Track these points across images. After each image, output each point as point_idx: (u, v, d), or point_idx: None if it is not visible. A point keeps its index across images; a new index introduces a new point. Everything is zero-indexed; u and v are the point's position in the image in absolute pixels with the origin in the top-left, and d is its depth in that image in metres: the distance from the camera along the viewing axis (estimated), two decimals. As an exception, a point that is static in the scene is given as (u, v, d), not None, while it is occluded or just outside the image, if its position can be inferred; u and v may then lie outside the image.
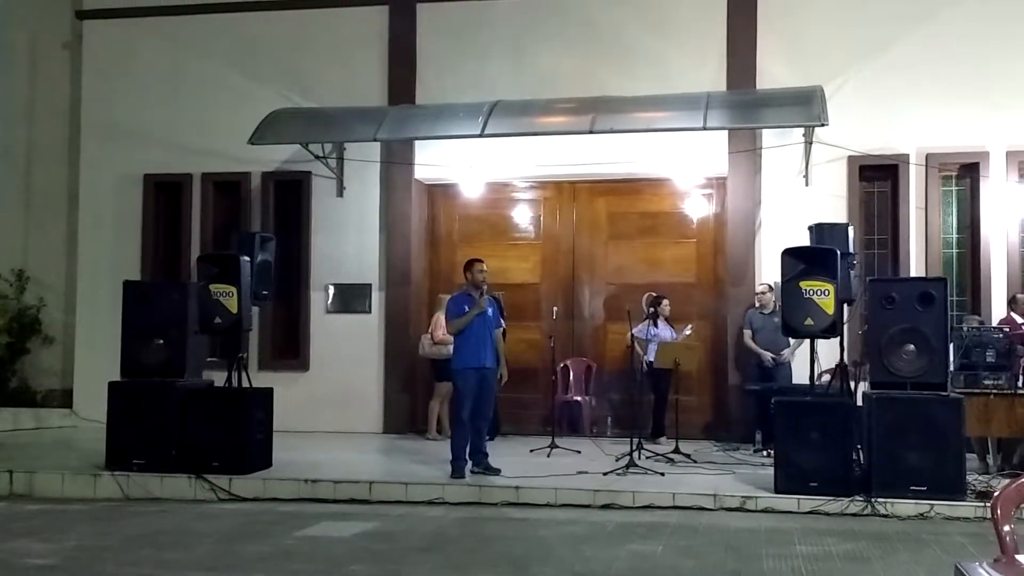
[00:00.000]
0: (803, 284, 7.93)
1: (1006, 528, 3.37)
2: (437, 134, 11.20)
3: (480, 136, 10.47)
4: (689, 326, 10.81)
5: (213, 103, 12.33)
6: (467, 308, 8.51)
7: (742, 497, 7.67)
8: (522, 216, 12.42)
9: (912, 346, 7.70)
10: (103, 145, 12.68)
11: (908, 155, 10.88)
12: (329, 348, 11.97)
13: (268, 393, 8.99)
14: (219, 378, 8.92)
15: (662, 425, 10.77)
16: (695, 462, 9.26)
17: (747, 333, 10.63)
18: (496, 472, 8.42)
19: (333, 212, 12.08)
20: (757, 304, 10.64)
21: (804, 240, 8.76)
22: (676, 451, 9.61)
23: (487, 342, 8.58)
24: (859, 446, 7.83)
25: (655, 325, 10.55)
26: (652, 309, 10.55)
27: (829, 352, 8.85)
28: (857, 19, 11.06)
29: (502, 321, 10.58)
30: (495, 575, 5.76)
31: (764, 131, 11.06)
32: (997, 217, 10.72)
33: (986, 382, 8.28)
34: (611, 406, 11.64)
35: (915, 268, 10.76)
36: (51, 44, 13.60)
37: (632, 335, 10.34)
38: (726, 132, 11.09)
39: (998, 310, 10.32)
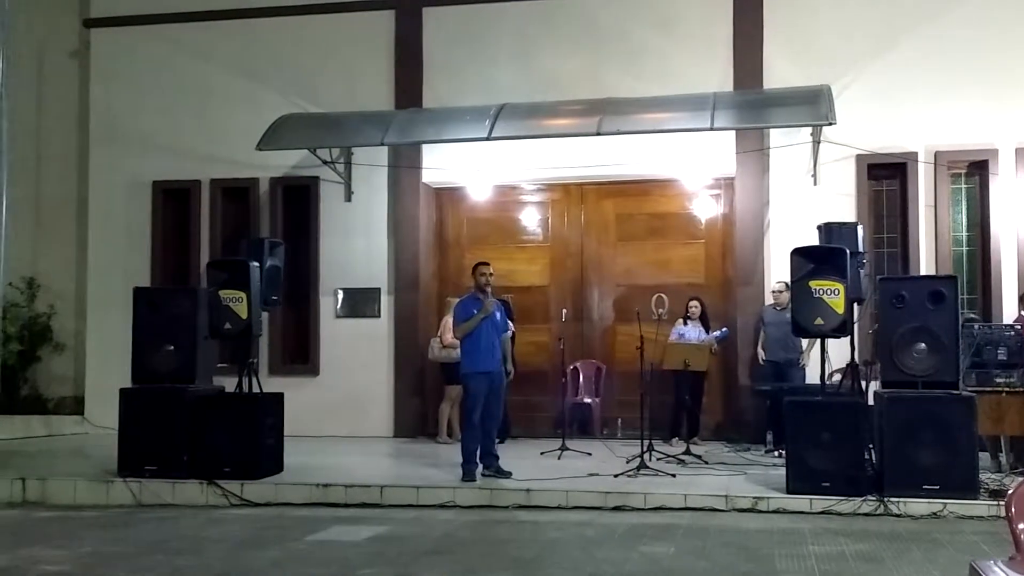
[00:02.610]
0: (813, 284, 7.90)
1: (1021, 526, 3.35)
2: (444, 137, 11.23)
3: (487, 139, 10.48)
4: (723, 328, 10.84)
5: (221, 109, 12.39)
6: (475, 311, 8.51)
7: (754, 498, 7.64)
8: (530, 218, 12.43)
9: (923, 345, 7.66)
10: (111, 152, 12.74)
11: (917, 153, 10.85)
12: (339, 352, 11.99)
13: (278, 398, 8.99)
14: (230, 384, 8.93)
15: (696, 426, 10.84)
16: (706, 463, 9.25)
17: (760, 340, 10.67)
18: (507, 475, 8.42)
19: (341, 217, 12.11)
20: (773, 302, 10.62)
21: (813, 240, 8.73)
22: (687, 452, 9.61)
23: (496, 346, 8.58)
24: (871, 446, 7.79)
25: (684, 324, 10.63)
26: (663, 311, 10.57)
27: (840, 352, 8.82)
28: (863, 17, 11.04)
29: (511, 324, 10.59)
30: (507, 578, 5.76)
31: (772, 131, 11.05)
32: (1007, 214, 10.68)
33: (998, 380, 8.22)
34: (621, 408, 11.62)
35: (925, 266, 10.73)
36: (59, 52, 13.68)
37: (668, 337, 10.31)
38: (733, 132, 11.09)
39: (1009, 307, 10.28)
